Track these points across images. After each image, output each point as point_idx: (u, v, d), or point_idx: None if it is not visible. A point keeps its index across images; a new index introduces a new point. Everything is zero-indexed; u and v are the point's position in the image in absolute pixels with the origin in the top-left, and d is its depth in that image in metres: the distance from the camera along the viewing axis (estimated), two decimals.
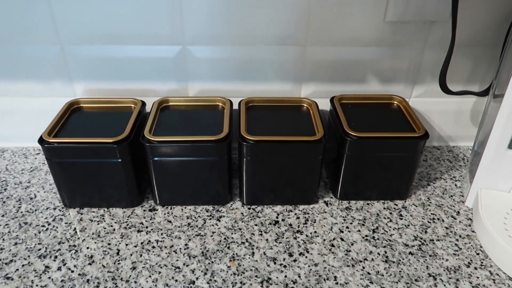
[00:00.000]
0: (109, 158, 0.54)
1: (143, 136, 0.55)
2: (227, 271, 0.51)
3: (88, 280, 0.49)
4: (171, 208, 0.60)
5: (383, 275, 0.50)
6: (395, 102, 0.65)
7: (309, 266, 0.52)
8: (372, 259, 0.53)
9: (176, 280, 0.49)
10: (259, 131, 0.56)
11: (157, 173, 0.57)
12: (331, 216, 0.60)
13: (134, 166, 0.57)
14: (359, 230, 0.57)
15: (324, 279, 0.50)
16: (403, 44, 0.64)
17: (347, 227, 0.58)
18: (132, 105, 0.63)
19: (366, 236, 0.56)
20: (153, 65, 0.65)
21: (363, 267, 0.52)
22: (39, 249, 0.53)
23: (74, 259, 0.52)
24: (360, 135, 0.55)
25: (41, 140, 0.54)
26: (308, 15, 0.61)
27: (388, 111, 0.63)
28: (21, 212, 0.59)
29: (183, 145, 0.54)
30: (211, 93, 0.68)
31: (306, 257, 0.53)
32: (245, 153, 0.55)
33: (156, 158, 0.55)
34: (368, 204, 0.62)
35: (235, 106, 0.64)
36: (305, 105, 0.64)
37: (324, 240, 0.56)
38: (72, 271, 0.50)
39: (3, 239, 0.55)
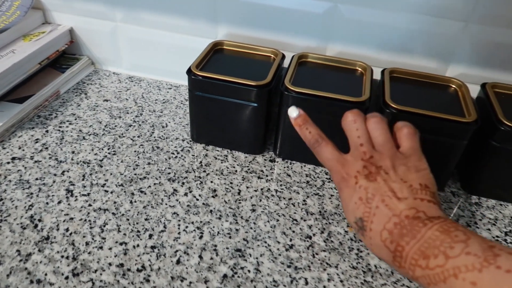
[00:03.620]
0: (246, 100, 0.55)
1: (283, 84, 0.55)
2: (344, 235, 0.50)
3: (211, 211, 0.51)
4: (290, 163, 0.60)
5: None
6: None
7: None
8: None
9: (293, 231, 0.50)
10: (402, 102, 0.53)
11: (287, 125, 0.57)
12: (458, 208, 0.55)
13: (266, 114, 0.57)
14: (488, 229, 0.52)
15: None
16: None
17: (475, 223, 0.53)
18: (272, 55, 0.63)
19: (497, 237, 0.51)
20: (298, 18, 0.64)
21: None
22: (169, 173, 0.56)
23: (199, 189, 0.54)
24: None
25: (189, 71, 0.56)
26: None
27: None
28: (154, 137, 0.63)
29: (322, 101, 0.53)
30: (349, 57, 0.65)
31: None
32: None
33: None
34: (501, 205, 0.56)
35: (376, 75, 0.61)
36: (453, 86, 0.59)
37: None
38: (197, 199, 0.53)
39: (139, 157, 0.59)
